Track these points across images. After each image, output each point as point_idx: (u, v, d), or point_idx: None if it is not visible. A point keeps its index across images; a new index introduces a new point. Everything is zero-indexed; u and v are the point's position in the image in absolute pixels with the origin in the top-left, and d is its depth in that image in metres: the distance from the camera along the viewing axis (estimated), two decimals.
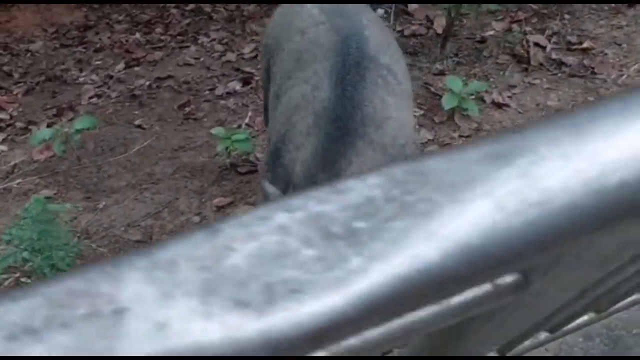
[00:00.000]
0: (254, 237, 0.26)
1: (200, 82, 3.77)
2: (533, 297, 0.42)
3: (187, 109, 3.51)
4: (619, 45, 3.53)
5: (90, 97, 3.64)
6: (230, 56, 4.01)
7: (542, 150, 0.30)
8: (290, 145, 1.71)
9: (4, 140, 3.35)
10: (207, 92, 3.65)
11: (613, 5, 3.84)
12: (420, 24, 3.94)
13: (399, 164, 0.30)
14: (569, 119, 0.31)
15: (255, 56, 3.99)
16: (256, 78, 3.72)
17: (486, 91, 3.15)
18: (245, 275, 0.25)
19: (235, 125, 3.31)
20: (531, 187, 0.29)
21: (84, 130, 2.81)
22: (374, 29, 1.97)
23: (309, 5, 2.06)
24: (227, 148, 2.84)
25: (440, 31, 3.80)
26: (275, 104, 1.96)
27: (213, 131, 2.88)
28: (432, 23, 3.90)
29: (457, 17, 3.56)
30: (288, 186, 1.63)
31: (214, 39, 4.31)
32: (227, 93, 3.62)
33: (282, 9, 2.31)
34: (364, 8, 2.25)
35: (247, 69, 3.84)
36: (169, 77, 3.84)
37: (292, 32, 2.01)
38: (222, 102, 3.54)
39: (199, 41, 4.30)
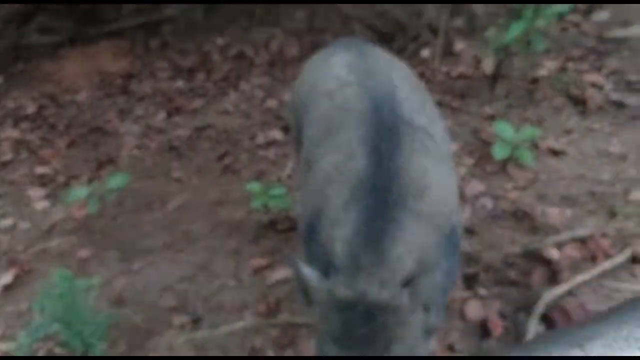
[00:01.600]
0: None
1: (240, 131, 3.69)
2: None
3: (226, 160, 3.43)
4: None
5: (131, 149, 3.62)
6: (271, 103, 3.94)
7: None
8: (325, 221, 1.56)
9: (47, 196, 3.34)
10: (247, 141, 3.58)
11: None
12: (468, 65, 3.77)
13: None
14: None
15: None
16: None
17: (541, 137, 2.93)
18: None
19: (274, 177, 3.20)
20: None
21: (119, 189, 2.74)
22: (407, 89, 1.83)
23: (332, 65, 1.95)
24: (264, 204, 2.72)
25: (489, 72, 3.62)
26: (306, 172, 1.83)
27: (249, 186, 2.76)
28: (479, 63, 3.72)
29: (506, 57, 3.37)
30: (328, 267, 1.47)
31: (254, 85, 4.26)
32: (267, 142, 3.53)
33: (309, 65, 2.20)
34: (396, 63, 2.12)
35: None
36: (209, 126, 3.80)
37: (319, 95, 1.89)
38: (262, 152, 3.45)
39: (240, 88, 4.27)
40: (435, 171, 1.63)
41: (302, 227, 1.78)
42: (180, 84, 4.49)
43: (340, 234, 1.44)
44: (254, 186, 2.75)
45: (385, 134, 1.59)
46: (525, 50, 3.22)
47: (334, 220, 1.51)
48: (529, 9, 3.03)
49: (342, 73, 1.88)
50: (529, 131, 2.83)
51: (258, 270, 2.57)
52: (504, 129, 2.80)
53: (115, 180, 2.66)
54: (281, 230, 2.77)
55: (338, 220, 1.49)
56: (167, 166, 3.42)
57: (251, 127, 3.72)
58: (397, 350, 1.32)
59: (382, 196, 1.46)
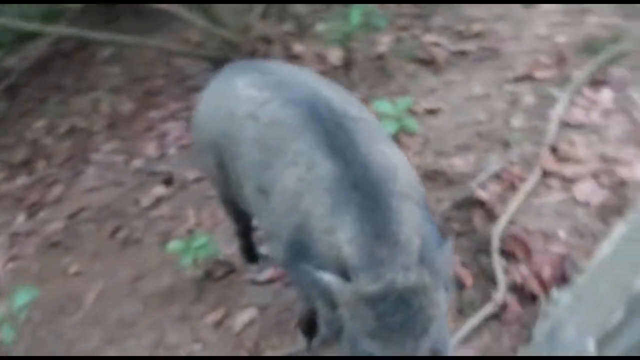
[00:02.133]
0: None
1: (120, 201, 3.41)
2: None
3: (121, 234, 3.15)
4: (504, 19, 3.69)
5: (5, 263, 3.15)
6: (137, 162, 3.69)
7: None
8: (315, 233, 1.51)
9: None
10: (132, 208, 3.31)
11: None
12: (314, 63, 3.87)
13: None
14: None
15: (163, 154, 3.71)
16: (176, 175, 3.45)
17: (414, 103, 3.12)
18: None
19: (181, 231, 3.01)
20: None
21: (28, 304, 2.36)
22: (326, 87, 1.86)
23: (240, 88, 1.88)
24: (194, 259, 2.54)
25: (338, 62, 3.76)
26: (262, 199, 1.75)
27: (170, 247, 2.57)
28: (325, 58, 3.85)
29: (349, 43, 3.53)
30: (341, 270, 1.42)
31: (108, 152, 3.96)
32: (155, 201, 3.30)
33: (210, 98, 2.09)
34: (298, 69, 2.15)
35: (162, 168, 3.54)
36: (82, 209, 3.45)
37: (240, 121, 1.82)
38: (154, 213, 3.22)
39: (93, 160, 3.94)
40: (391, 151, 1.68)
41: (281, 252, 1.70)
42: (21, 180, 4.02)
43: (343, 238, 1.40)
44: (176, 245, 2.57)
45: (334, 132, 1.59)
46: (367, 32, 3.40)
47: (326, 228, 1.47)
48: None
49: (254, 93, 1.83)
50: (403, 102, 2.98)
51: (218, 324, 2.40)
52: (384, 106, 2.92)
53: (23, 296, 2.28)
54: (220, 277, 2.61)
55: (332, 227, 1.45)
56: (58, 265, 3.03)
57: (129, 193, 3.45)
58: (434, 331, 1.32)
59: (366, 189, 1.46)
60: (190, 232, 2.95)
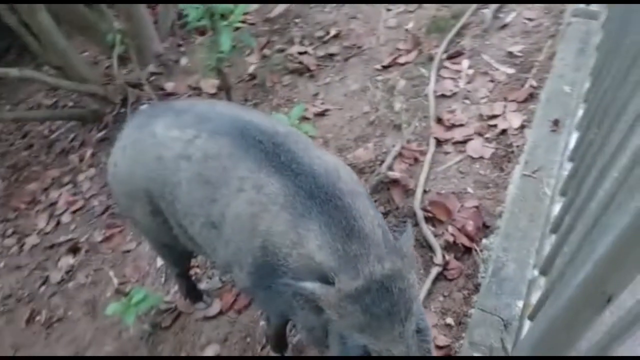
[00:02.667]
0: None
1: (25, 285, 3.16)
2: None
3: (39, 318, 2.92)
4: (356, 18, 3.97)
5: None
6: (32, 239, 3.43)
7: None
8: (283, 249, 1.55)
9: None
10: (45, 288, 3.09)
11: None
12: (188, 95, 3.88)
13: None
14: None
15: (58, 223, 3.50)
16: (82, 240, 3.27)
17: (305, 110, 3.27)
18: None
19: (108, 294, 2.88)
20: None
21: None
22: (245, 111, 1.92)
23: (160, 132, 1.84)
24: (137, 315, 2.45)
25: (213, 90, 3.80)
26: (213, 234, 1.74)
27: (109, 311, 2.45)
28: (200, 89, 3.87)
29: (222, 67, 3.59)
30: (318, 277, 1.49)
31: None
32: (67, 273, 3.11)
33: (126, 149, 1.97)
34: (211, 101, 2.15)
35: (63, 238, 3.34)
36: None
37: (171, 164, 1.79)
38: (70, 284, 3.04)
39: None
40: (324, 155, 1.76)
41: (246, 279, 1.72)
42: None
43: (313, 246, 1.46)
44: (115, 307, 2.44)
45: (273, 151, 1.64)
46: (237, 54, 3.48)
47: (293, 242, 1.51)
48: (216, 17, 3.26)
49: (177, 134, 1.80)
50: (296, 110, 3.11)
51: None
52: (281, 118, 3.04)
53: None
54: (170, 325, 2.55)
55: (299, 239, 1.50)
56: None
57: (33, 274, 3.21)
58: (416, 310, 1.44)
59: (321, 195, 1.53)
60: (118, 292, 2.83)
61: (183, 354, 2.42)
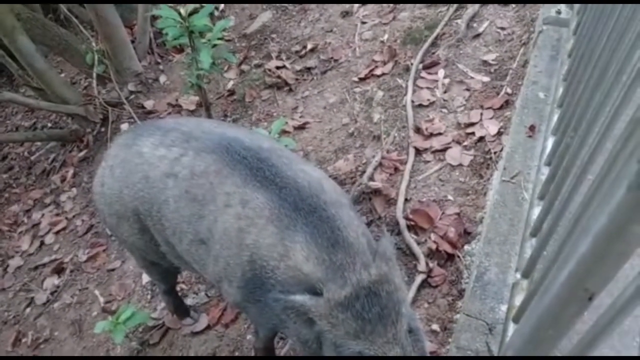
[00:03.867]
0: None
1: (11, 307, 3.14)
2: None
3: (25, 340, 2.91)
4: (330, 31, 4.03)
5: None
6: (16, 261, 3.41)
7: None
8: (271, 262, 1.58)
9: None
10: (28, 309, 3.07)
11: (297, 7, 4.35)
12: (171, 112, 3.90)
13: None
14: None
15: (41, 244, 3.49)
16: (66, 260, 3.26)
17: (285, 123, 3.30)
18: None
19: (94, 313, 2.87)
20: None
21: None
22: (228, 128, 1.97)
23: (146, 151, 1.87)
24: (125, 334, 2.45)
25: (193, 107, 3.82)
26: (201, 250, 1.77)
27: (97, 330, 2.43)
28: (180, 107, 3.89)
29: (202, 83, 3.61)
30: (306, 288, 1.52)
31: None
32: (52, 294, 3.09)
33: (112, 169, 1.98)
34: (194, 119, 2.16)
35: (47, 259, 3.32)
36: None
37: (157, 183, 1.82)
38: (56, 305, 3.02)
39: None
40: (308, 168, 1.80)
41: (236, 293, 1.74)
42: None
43: (300, 258, 1.50)
44: (104, 325, 2.43)
45: (257, 166, 1.68)
46: (217, 70, 3.51)
47: (280, 255, 1.55)
48: (195, 35, 3.29)
49: (163, 152, 1.83)
50: (277, 124, 3.14)
51: None
52: (262, 133, 3.07)
53: None
54: (158, 341, 2.55)
55: (285, 252, 1.53)
56: None
57: (18, 296, 3.19)
58: (405, 311, 1.48)
59: (305, 208, 1.57)
60: (105, 311, 2.82)
61: None
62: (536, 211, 2.16)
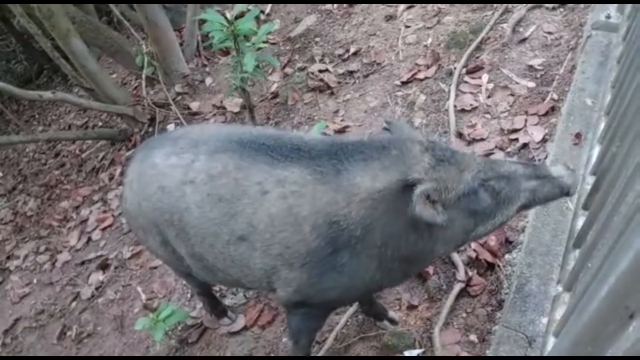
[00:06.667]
0: None
1: (57, 301, 3.25)
2: None
3: (70, 333, 3.01)
4: (374, 34, 4.02)
5: None
6: (64, 256, 3.54)
7: None
8: (340, 213, 1.62)
9: None
10: (74, 304, 3.17)
11: (343, 7, 4.37)
12: (216, 114, 3.97)
13: None
14: None
15: (88, 240, 3.61)
16: (111, 256, 3.36)
17: (326, 127, 3.31)
18: None
19: (135, 309, 2.95)
20: None
21: None
22: (231, 127, 2.14)
23: (159, 162, 1.88)
24: (165, 332, 2.51)
25: (237, 109, 3.88)
26: (242, 248, 1.75)
27: (138, 326, 2.51)
28: (225, 109, 3.95)
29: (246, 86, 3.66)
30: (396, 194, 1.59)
31: (26, 255, 3.76)
32: (97, 289, 3.19)
33: (132, 183, 2.00)
34: (202, 124, 2.21)
35: (93, 255, 3.43)
36: (17, 320, 3.24)
37: (175, 192, 1.81)
38: (100, 300, 3.12)
39: (12, 267, 3.71)
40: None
41: (300, 276, 1.72)
42: None
43: (369, 182, 1.58)
44: (144, 322, 2.50)
45: (275, 145, 1.73)
46: (260, 73, 3.55)
47: (346, 201, 1.59)
48: (240, 39, 3.34)
49: (175, 161, 1.84)
50: (317, 127, 3.17)
51: None
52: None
53: None
54: (196, 340, 2.60)
55: (350, 193, 1.58)
56: None
57: (65, 290, 3.31)
58: None
59: (338, 147, 1.67)
60: (146, 308, 2.89)
61: None
62: (580, 222, 2.10)
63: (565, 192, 1.69)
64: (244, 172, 1.71)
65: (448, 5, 4.01)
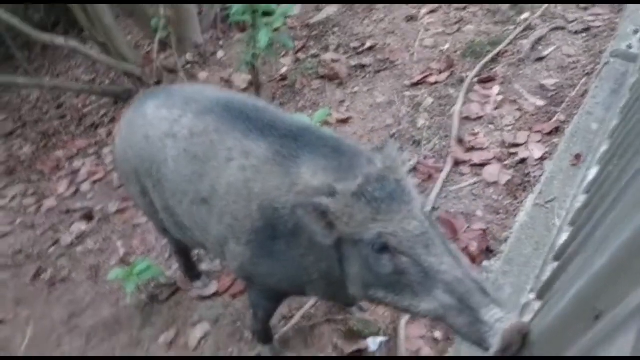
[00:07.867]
0: None
1: (36, 244, 3.25)
2: None
3: (44, 277, 3.00)
4: (392, 33, 4.02)
5: None
6: (50, 202, 3.53)
7: None
8: (282, 199, 1.56)
9: None
10: (54, 248, 3.17)
11: (364, 5, 4.36)
12: (222, 87, 3.96)
13: None
14: None
15: (77, 190, 3.60)
16: (96, 209, 3.35)
17: (329, 115, 3.30)
18: None
19: (112, 262, 2.94)
20: None
21: None
22: (228, 92, 2.08)
23: (149, 112, 1.92)
24: (137, 285, 2.50)
25: (244, 85, 3.87)
26: (203, 210, 1.77)
27: (111, 277, 2.50)
28: (230, 82, 3.95)
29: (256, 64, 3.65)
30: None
31: (13, 197, 3.75)
32: (78, 237, 3.18)
33: (127, 127, 2.05)
34: (202, 86, 2.22)
35: (79, 205, 3.42)
36: None
37: (157, 142, 1.85)
38: (79, 249, 3.11)
39: None
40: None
41: (245, 250, 1.70)
42: None
43: (308, 177, 1.53)
44: (117, 273, 2.50)
45: (256, 118, 1.72)
46: (272, 53, 3.54)
47: (288, 187, 1.56)
48: (258, 14, 3.33)
49: (164, 113, 1.88)
50: (320, 113, 3.15)
51: (171, 344, 2.38)
52: (304, 119, 3.08)
53: None
54: (166, 299, 2.59)
55: (293, 181, 1.55)
56: None
57: (45, 234, 3.30)
58: (419, 201, 1.49)
59: (306, 137, 1.62)
60: (123, 261, 2.88)
61: (174, 329, 2.45)
62: (564, 237, 2.08)
63: (479, 344, 1.29)
64: (220, 136, 1.73)
65: (471, 14, 4.00)
